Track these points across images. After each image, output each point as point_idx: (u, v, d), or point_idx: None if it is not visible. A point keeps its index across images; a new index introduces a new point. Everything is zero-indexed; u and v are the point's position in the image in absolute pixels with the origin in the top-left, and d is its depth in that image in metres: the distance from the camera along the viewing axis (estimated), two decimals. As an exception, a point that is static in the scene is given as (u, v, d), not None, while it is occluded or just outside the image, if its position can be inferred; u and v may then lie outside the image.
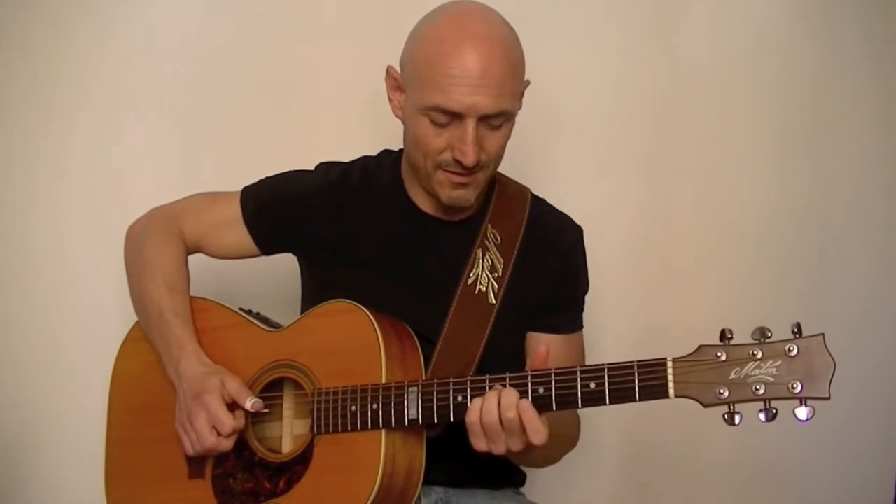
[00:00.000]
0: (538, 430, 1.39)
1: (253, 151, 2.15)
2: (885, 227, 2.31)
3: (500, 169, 1.68)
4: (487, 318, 1.62)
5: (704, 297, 2.24)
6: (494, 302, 1.63)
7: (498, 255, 1.66)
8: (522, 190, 1.76)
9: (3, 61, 2.15)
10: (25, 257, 2.15)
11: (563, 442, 1.64)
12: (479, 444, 1.43)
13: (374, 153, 1.79)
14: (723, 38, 2.27)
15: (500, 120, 1.54)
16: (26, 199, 2.16)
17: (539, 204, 1.76)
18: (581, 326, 1.74)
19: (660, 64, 2.25)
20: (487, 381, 1.44)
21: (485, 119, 1.52)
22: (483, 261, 1.65)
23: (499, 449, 1.42)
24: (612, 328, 2.13)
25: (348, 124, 2.18)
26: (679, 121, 2.26)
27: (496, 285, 1.64)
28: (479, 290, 1.64)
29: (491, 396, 1.41)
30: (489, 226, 1.68)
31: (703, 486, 2.24)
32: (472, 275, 1.64)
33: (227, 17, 2.20)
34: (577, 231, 1.75)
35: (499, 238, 1.68)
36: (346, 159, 1.79)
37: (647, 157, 2.27)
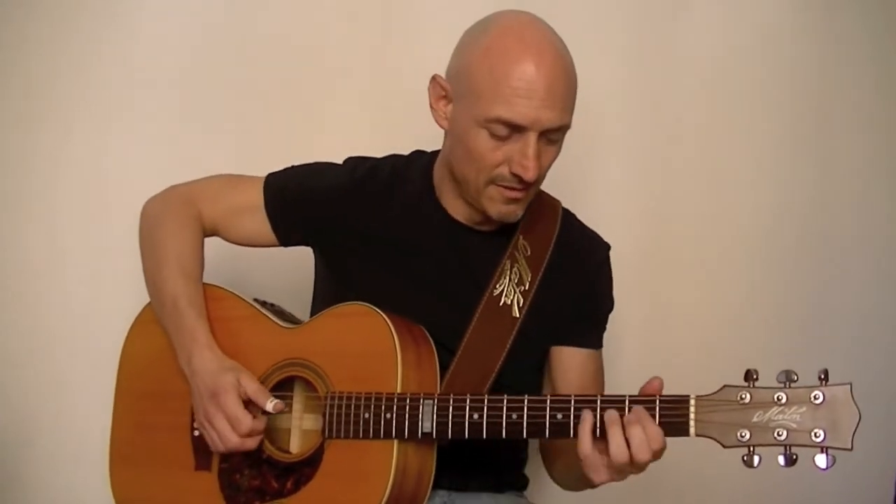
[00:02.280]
0: (656, 437, 1.35)
1: (253, 150, 2.12)
2: (888, 226, 2.30)
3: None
4: (510, 331, 1.59)
5: (707, 296, 2.24)
6: (518, 315, 1.60)
7: (526, 267, 1.63)
8: (553, 202, 1.73)
9: (0, 61, 2.11)
10: (24, 257, 2.13)
11: None
12: (601, 477, 1.39)
13: (380, 153, 1.75)
14: (723, 37, 2.24)
15: (558, 135, 1.52)
16: (24, 199, 2.13)
17: (569, 218, 1.73)
18: (601, 345, 1.72)
19: (660, 64, 2.22)
20: (505, 401, 1.43)
21: (545, 133, 1.49)
22: (511, 273, 1.62)
23: (622, 478, 1.40)
24: (614, 331, 2.11)
25: (351, 124, 2.15)
26: (680, 121, 2.24)
27: (521, 299, 1.61)
28: (504, 302, 1.61)
29: (637, 434, 1.33)
30: (520, 237, 1.65)
31: (704, 485, 2.24)
32: (498, 286, 1.61)
33: (226, 15, 2.16)
34: (605, 249, 1.73)
35: (528, 250, 1.64)
36: (346, 156, 1.75)
37: (647, 157, 2.25)
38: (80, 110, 2.12)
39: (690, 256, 2.27)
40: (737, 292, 2.26)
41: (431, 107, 1.59)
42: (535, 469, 1.77)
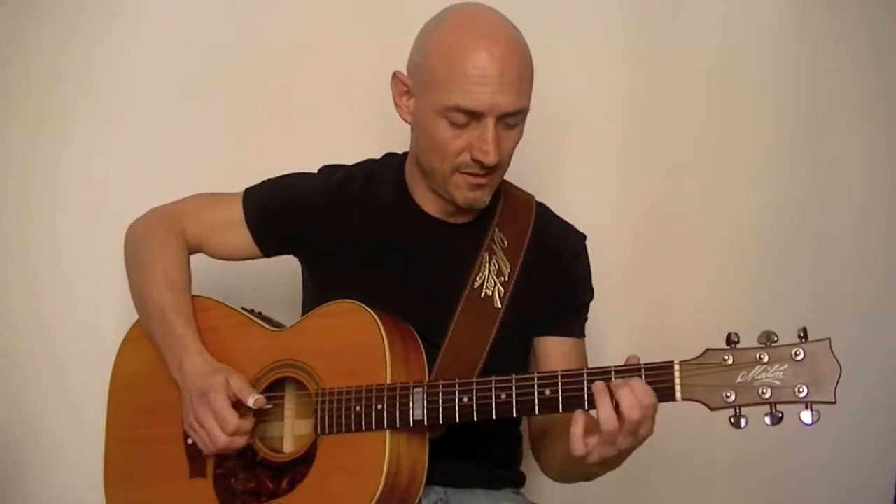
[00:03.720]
0: (644, 392, 1.35)
1: (250, 152, 2.14)
2: (888, 227, 2.33)
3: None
4: (493, 322, 1.62)
5: (708, 298, 2.25)
6: (500, 306, 1.63)
7: (504, 259, 1.66)
8: (527, 196, 1.76)
9: (1, 61, 2.13)
10: (23, 257, 2.13)
11: None
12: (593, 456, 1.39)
13: (373, 154, 1.78)
14: (723, 37, 2.27)
15: (516, 119, 1.55)
16: (24, 199, 2.14)
17: (543, 210, 1.76)
18: (583, 334, 1.73)
19: (660, 64, 2.25)
20: (493, 382, 1.44)
21: (502, 118, 1.52)
22: (490, 264, 1.65)
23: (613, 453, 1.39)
24: (616, 331, 2.13)
25: (347, 125, 2.17)
26: (679, 120, 2.26)
27: (502, 289, 1.64)
28: (486, 293, 1.63)
29: (626, 393, 1.34)
30: (497, 229, 1.68)
31: (704, 486, 2.25)
32: (478, 278, 1.64)
33: (226, 17, 2.18)
34: (581, 238, 1.76)
35: (506, 242, 1.67)
36: (345, 159, 1.78)
37: (648, 157, 2.27)
38: (79, 111, 2.14)
39: (690, 256, 2.28)
40: (736, 292, 2.27)
41: (395, 103, 1.63)
42: (532, 466, 1.77)
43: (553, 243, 1.72)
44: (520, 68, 1.52)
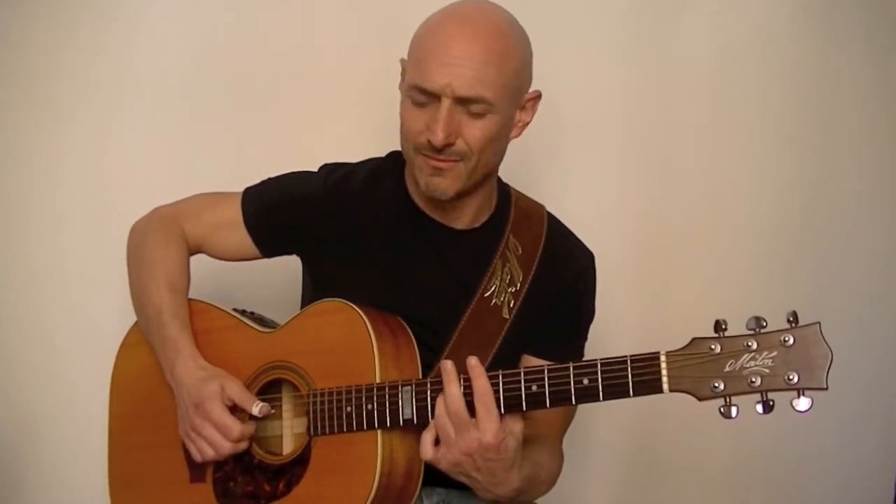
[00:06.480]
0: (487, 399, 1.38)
1: (251, 151, 2.14)
2: (886, 225, 2.30)
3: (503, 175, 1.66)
4: (498, 333, 1.58)
5: (707, 298, 2.23)
6: (508, 317, 1.59)
7: (518, 267, 1.61)
8: (537, 205, 1.72)
9: (1, 60, 2.13)
10: (24, 257, 2.14)
11: (538, 486, 1.58)
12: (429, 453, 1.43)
13: (375, 153, 1.75)
14: (723, 37, 2.24)
15: (479, 107, 1.48)
16: (25, 199, 2.15)
17: (554, 222, 1.71)
18: (575, 357, 1.67)
19: (660, 64, 2.22)
20: (482, 378, 1.42)
21: (463, 103, 1.47)
22: (503, 272, 1.61)
23: (452, 455, 1.41)
24: (613, 329, 2.08)
25: (347, 124, 2.16)
26: (679, 120, 2.24)
27: (512, 300, 1.60)
28: (495, 303, 1.59)
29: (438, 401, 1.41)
30: (511, 236, 1.63)
31: (703, 486, 2.24)
32: (490, 286, 1.60)
33: (226, 16, 2.17)
34: (590, 257, 1.71)
35: (520, 249, 1.63)
36: (345, 158, 1.74)
37: (648, 156, 2.25)
38: (81, 110, 2.14)
39: (688, 256, 2.26)
40: (735, 291, 2.25)
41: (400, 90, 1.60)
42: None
43: (562, 258, 1.66)
44: (484, 55, 1.45)
